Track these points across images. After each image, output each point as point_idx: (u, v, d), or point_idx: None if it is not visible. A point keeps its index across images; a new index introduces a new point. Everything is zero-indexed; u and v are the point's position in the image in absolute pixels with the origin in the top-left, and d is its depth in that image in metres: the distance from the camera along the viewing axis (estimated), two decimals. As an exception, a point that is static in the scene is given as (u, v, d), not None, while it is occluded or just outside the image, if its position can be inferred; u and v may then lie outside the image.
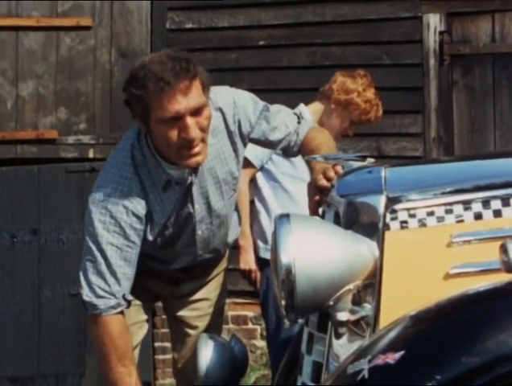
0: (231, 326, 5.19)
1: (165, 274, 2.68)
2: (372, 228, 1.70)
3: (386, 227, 1.68)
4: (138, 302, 2.60)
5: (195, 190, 2.45)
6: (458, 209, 1.69)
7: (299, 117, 2.59)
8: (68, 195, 5.18)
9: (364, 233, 1.71)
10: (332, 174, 2.00)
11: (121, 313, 2.39)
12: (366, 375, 1.43)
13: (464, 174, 1.85)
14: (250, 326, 5.24)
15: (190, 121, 2.21)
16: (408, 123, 5.07)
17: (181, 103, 2.19)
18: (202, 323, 2.81)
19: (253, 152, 3.24)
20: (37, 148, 5.33)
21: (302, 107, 3.48)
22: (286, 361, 2.32)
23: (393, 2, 5.07)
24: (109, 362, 2.37)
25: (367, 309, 1.68)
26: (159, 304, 2.97)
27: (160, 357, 5.26)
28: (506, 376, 1.35)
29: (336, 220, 1.84)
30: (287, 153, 2.62)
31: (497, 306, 1.48)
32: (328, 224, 1.84)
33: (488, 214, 1.69)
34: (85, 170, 5.17)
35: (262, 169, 3.42)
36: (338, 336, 1.73)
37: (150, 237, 2.43)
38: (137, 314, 2.66)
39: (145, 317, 2.74)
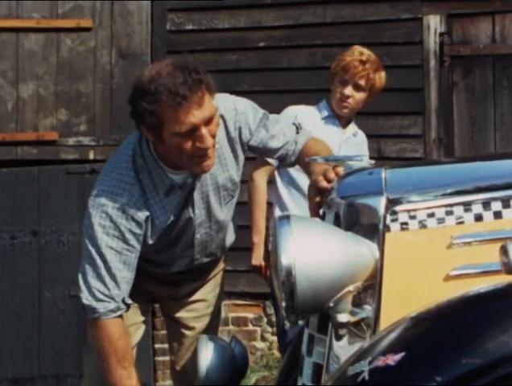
0: (231, 327, 5.18)
1: (163, 277, 2.69)
2: (372, 230, 1.69)
3: (387, 228, 1.68)
4: (135, 304, 2.59)
5: (196, 194, 2.46)
6: (458, 210, 1.69)
7: (298, 127, 2.59)
8: (68, 197, 5.18)
9: (364, 234, 1.71)
10: (332, 175, 2.01)
11: (121, 316, 2.40)
12: (367, 377, 1.43)
13: (465, 175, 1.84)
14: (250, 327, 5.23)
15: (204, 131, 2.22)
16: (408, 124, 5.07)
17: (197, 116, 2.19)
18: (199, 324, 2.82)
19: None
20: (37, 149, 5.33)
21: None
22: (286, 362, 2.33)
23: (393, 4, 5.08)
24: (109, 364, 2.37)
25: (367, 310, 1.68)
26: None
27: (160, 358, 5.26)
28: (507, 378, 1.35)
29: (337, 222, 1.84)
30: (284, 162, 2.62)
31: (498, 308, 1.47)
32: (328, 226, 1.84)
33: (488, 215, 1.69)
34: (86, 172, 5.17)
35: (278, 167, 3.41)
36: (338, 338, 1.73)
37: (150, 241, 2.43)
38: (134, 315, 2.67)
39: (142, 318, 2.75)
